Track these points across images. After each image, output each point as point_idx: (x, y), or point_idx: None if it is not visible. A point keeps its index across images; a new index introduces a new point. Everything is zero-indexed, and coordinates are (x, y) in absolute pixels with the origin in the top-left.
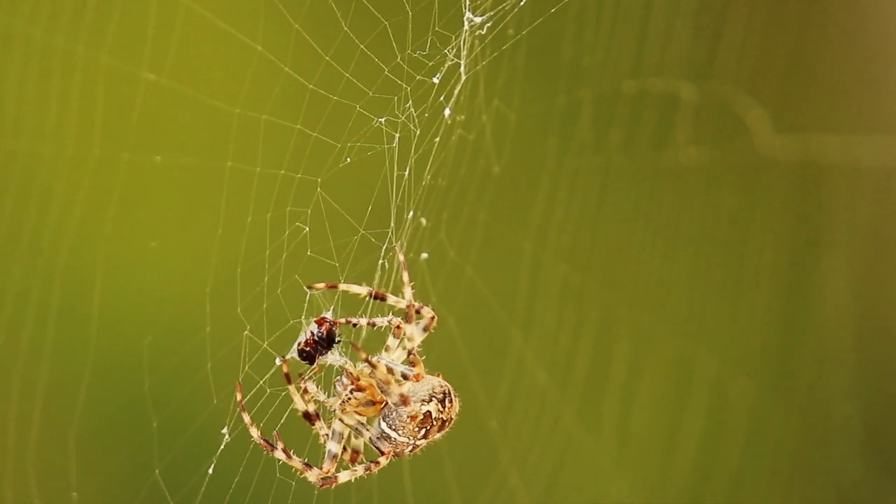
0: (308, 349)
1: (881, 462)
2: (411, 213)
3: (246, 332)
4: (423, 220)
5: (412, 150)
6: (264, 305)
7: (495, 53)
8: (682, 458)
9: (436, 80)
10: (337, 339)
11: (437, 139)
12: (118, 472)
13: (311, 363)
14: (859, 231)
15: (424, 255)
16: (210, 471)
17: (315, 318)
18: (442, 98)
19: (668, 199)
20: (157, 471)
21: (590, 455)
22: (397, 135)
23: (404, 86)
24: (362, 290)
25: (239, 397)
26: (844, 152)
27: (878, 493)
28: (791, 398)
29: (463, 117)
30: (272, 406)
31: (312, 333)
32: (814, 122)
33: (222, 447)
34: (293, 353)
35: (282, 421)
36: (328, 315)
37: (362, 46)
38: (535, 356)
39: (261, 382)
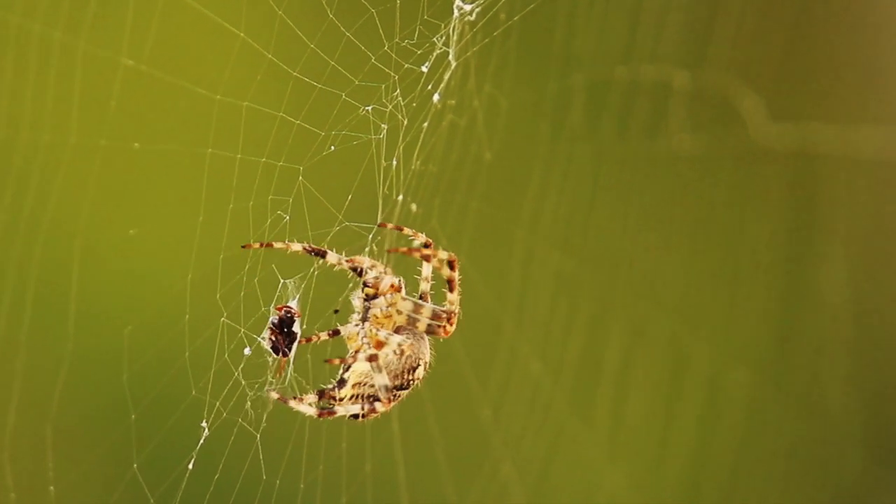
0: (272, 340)
1: (879, 454)
2: (401, 196)
3: (223, 318)
4: (414, 207)
5: (400, 138)
6: (241, 294)
7: (486, 39)
8: (677, 448)
9: (424, 69)
10: (294, 320)
11: (426, 124)
12: (97, 466)
13: (283, 352)
14: (856, 221)
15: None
16: (190, 466)
17: (276, 307)
18: (430, 86)
19: (662, 188)
20: (134, 465)
21: (583, 445)
22: (385, 125)
23: (392, 74)
24: (297, 247)
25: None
26: (841, 142)
27: (876, 485)
28: (788, 390)
29: (453, 102)
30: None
31: (272, 322)
32: (810, 111)
33: (202, 442)
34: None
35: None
36: (293, 304)
37: (348, 34)
38: (528, 345)
39: (236, 373)
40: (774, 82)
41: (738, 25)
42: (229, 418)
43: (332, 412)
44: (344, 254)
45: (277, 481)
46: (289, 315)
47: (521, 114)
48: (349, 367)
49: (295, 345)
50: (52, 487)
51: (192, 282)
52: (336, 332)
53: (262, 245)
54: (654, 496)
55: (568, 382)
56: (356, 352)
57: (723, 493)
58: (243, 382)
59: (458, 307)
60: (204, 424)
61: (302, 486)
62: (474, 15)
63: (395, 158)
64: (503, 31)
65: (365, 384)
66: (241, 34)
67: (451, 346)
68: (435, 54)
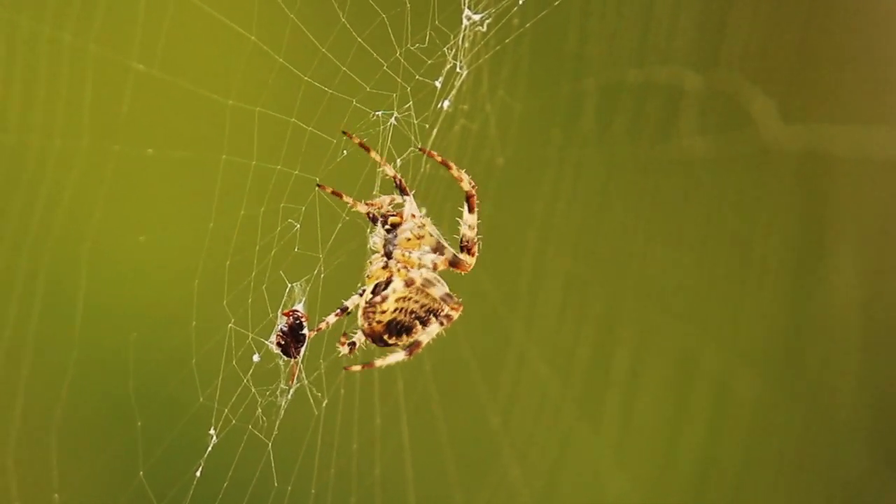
0: (281, 343)
1: (887, 455)
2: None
3: (231, 324)
4: (423, 210)
5: (413, 140)
6: (249, 300)
7: (498, 46)
8: (685, 451)
9: (438, 84)
10: (303, 324)
11: (436, 130)
12: (102, 472)
13: (291, 355)
14: (867, 223)
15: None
16: (198, 473)
17: (283, 312)
18: (443, 97)
19: (673, 190)
20: (141, 473)
21: (592, 449)
22: (392, 120)
23: (403, 83)
24: (390, 171)
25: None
26: (852, 143)
27: (883, 486)
28: (796, 391)
29: (466, 107)
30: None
31: (281, 329)
32: (821, 113)
33: (210, 449)
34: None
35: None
36: (299, 308)
37: (360, 39)
38: (537, 349)
39: (245, 380)
40: (785, 84)
41: (750, 27)
42: (238, 426)
43: (418, 344)
44: (421, 212)
45: (289, 487)
46: (297, 321)
47: (533, 118)
48: (385, 286)
49: (304, 346)
50: (56, 495)
51: (200, 288)
52: (345, 310)
53: (360, 144)
54: (661, 500)
55: (577, 386)
56: (387, 281)
57: (731, 496)
58: (253, 390)
59: (477, 234)
60: (212, 432)
61: (313, 491)
62: (485, 26)
63: (398, 159)
64: (516, 36)
65: (409, 299)
66: (253, 38)
67: (460, 349)
68: (447, 67)
